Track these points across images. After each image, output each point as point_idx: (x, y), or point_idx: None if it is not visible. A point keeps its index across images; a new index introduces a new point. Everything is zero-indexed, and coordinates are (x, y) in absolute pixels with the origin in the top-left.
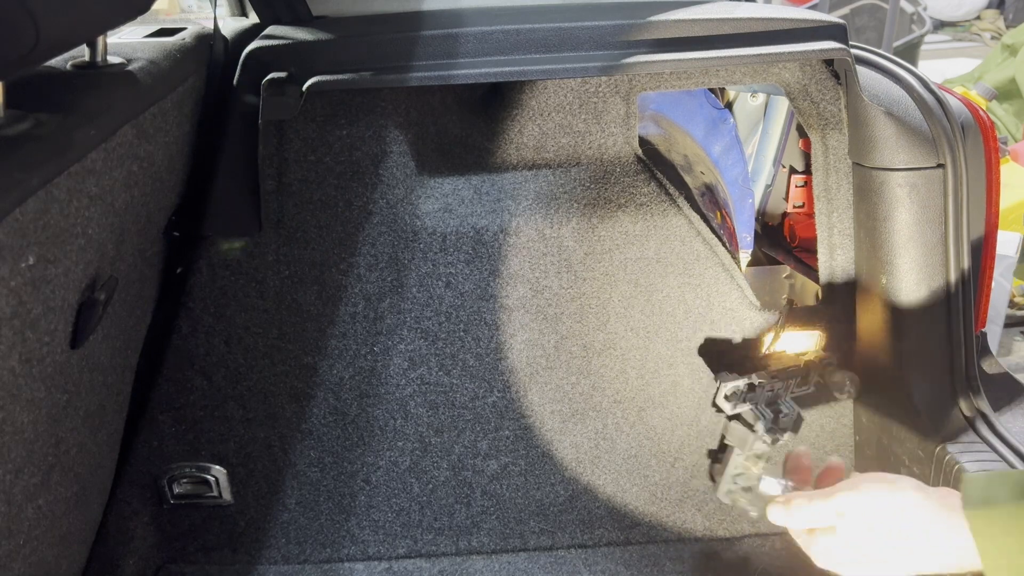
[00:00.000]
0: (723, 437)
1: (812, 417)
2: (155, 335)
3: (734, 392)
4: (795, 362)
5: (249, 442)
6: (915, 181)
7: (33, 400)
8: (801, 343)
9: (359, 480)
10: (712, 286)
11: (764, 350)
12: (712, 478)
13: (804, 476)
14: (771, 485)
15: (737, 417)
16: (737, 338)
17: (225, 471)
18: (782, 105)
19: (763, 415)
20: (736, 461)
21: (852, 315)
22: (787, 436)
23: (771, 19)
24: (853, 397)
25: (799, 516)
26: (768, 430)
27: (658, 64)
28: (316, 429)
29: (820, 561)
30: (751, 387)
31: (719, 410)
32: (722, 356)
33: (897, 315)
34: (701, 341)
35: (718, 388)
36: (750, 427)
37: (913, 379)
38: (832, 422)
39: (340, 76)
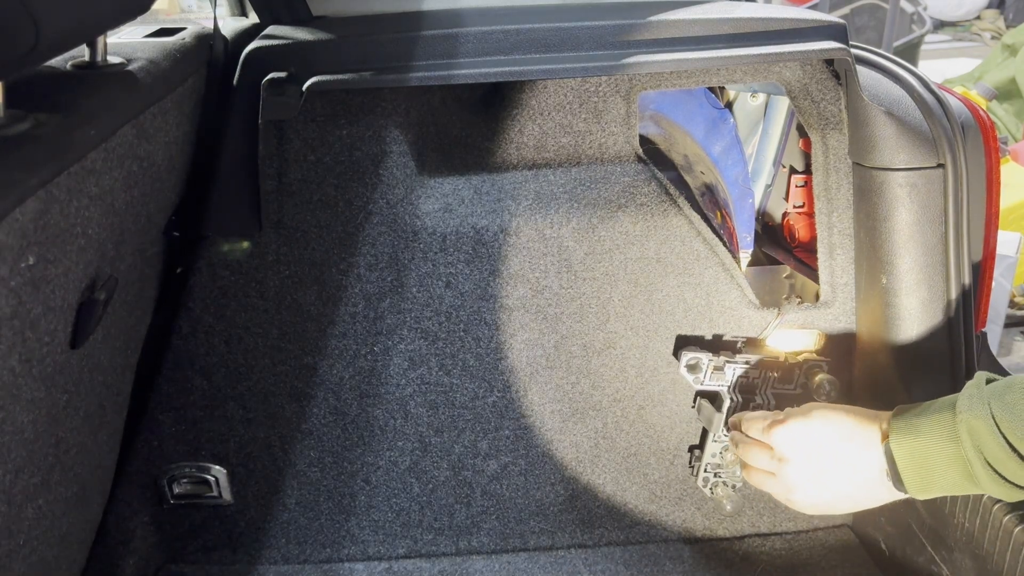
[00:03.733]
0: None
1: None
2: (155, 335)
3: (696, 363)
4: (779, 356)
5: (249, 442)
6: (915, 181)
7: (33, 400)
8: (800, 343)
9: (359, 480)
10: (712, 286)
11: (758, 339)
12: (692, 469)
13: None
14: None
15: (709, 396)
16: (737, 338)
17: (225, 471)
18: (782, 105)
19: (732, 397)
20: (712, 448)
21: (852, 315)
22: None
23: (771, 19)
24: (832, 400)
25: (747, 425)
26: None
27: (658, 64)
28: (316, 429)
29: (779, 490)
30: (718, 367)
31: (694, 403)
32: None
33: (897, 315)
34: (701, 341)
35: (679, 356)
36: (718, 408)
37: (913, 379)
38: None
39: (340, 76)
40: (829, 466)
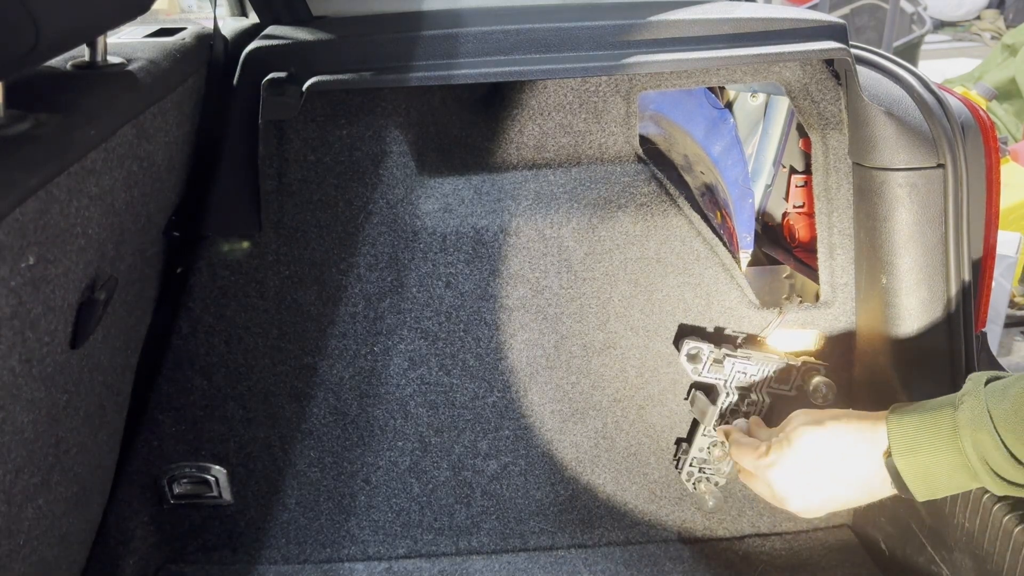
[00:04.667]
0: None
1: None
2: (155, 335)
3: (697, 352)
4: (778, 355)
5: (249, 442)
6: (915, 181)
7: (33, 400)
8: (800, 343)
9: (359, 480)
10: (712, 286)
11: (758, 337)
12: (677, 462)
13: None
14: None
15: (704, 388)
16: (738, 333)
17: (225, 471)
18: (782, 105)
19: (728, 393)
20: (700, 443)
21: (852, 315)
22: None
23: (771, 19)
24: (829, 403)
25: (743, 440)
26: (732, 410)
27: (658, 64)
28: (316, 429)
29: (769, 493)
30: (718, 359)
31: (687, 395)
32: None
33: (897, 315)
34: (702, 333)
35: (680, 346)
36: (713, 401)
37: (913, 379)
38: None
39: (340, 76)
40: (826, 483)
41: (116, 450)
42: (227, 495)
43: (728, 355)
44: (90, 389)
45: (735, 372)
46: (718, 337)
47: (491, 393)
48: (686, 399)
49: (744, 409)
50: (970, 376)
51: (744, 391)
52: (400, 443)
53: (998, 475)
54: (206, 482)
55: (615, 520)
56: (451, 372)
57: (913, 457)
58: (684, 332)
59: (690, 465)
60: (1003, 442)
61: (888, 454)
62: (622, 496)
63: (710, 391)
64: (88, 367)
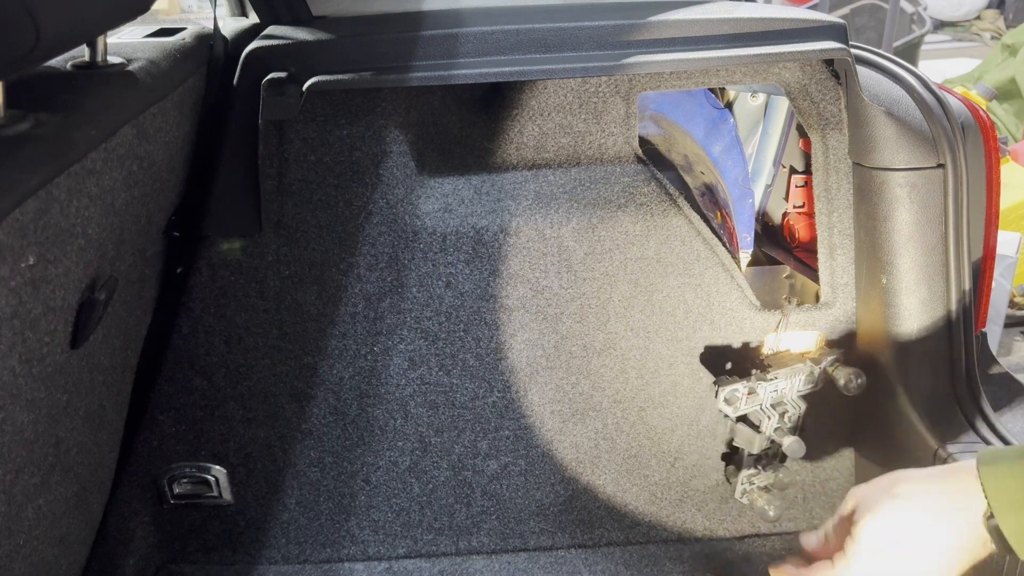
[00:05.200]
0: (731, 440)
1: (813, 418)
2: (155, 335)
3: (733, 395)
4: (799, 360)
5: (249, 442)
6: (915, 181)
7: (33, 400)
8: (801, 343)
9: (359, 480)
10: (712, 286)
11: (766, 351)
12: (728, 480)
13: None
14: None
15: (743, 419)
16: (738, 338)
17: (225, 471)
18: (782, 105)
19: (769, 415)
20: (749, 461)
21: (852, 315)
22: (790, 439)
23: (771, 19)
24: (860, 391)
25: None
26: (775, 430)
27: (658, 64)
28: (316, 429)
29: None
30: (752, 389)
31: (725, 415)
32: (723, 356)
33: (897, 315)
34: (701, 341)
35: (716, 393)
36: (756, 428)
37: (913, 379)
38: (832, 423)
39: (340, 76)
40: (914, 563)
41: (116, 450)
42: (227, 495)
43: (760, 381)
44: (90, 389)
45: (768, 394)
46: (740, 361)
47: (491, 393)
48: (729, 445)
49: (787, 425)
50: None
51: (779, 407)
52: (400, 443)
53: None
54: (206, 482)
55: (615, 520)
56: (451, 372)
57: (1019, 514)
58: (713, 357)
59: (741, 484)
60: None
61: (989, 515)
62: (622, 497)
63: (744, 417)
64: (88, 367)
